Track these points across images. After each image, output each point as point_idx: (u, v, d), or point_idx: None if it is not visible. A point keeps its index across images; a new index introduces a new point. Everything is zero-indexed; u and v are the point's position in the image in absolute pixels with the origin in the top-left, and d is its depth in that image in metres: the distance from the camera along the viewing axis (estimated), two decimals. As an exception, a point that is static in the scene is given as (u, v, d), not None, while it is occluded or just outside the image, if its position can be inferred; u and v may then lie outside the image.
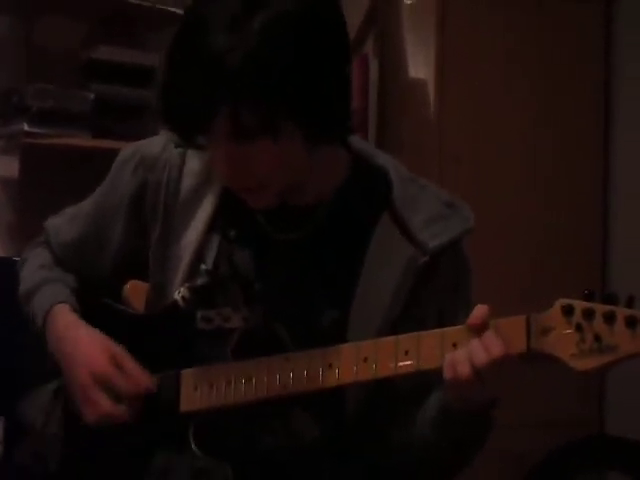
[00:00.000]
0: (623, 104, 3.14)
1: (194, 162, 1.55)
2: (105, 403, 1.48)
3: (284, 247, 1.51)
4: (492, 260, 2.80)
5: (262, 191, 1.42)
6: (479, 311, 1.27)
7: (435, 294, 1.47)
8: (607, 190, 3.17)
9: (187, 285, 1.51)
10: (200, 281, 1.52)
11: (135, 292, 1.60)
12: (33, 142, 2.68)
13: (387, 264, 1.46)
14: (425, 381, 1.39)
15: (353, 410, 1.46)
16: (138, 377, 1.48)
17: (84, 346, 1.52)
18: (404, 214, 1.47)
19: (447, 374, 1.28)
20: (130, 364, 1.49)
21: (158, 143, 1.59)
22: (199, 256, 1.52)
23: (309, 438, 1.49)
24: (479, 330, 1.26)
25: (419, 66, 2.99)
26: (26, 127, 2.66)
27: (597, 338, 1.18)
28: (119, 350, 1.51)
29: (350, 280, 1.47)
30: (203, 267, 1.52)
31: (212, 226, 1.53)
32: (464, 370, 1.25)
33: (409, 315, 1.44)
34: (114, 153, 1.65)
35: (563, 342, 1.20)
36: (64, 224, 1.71)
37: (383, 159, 1.55)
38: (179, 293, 1.51)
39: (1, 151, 2.84)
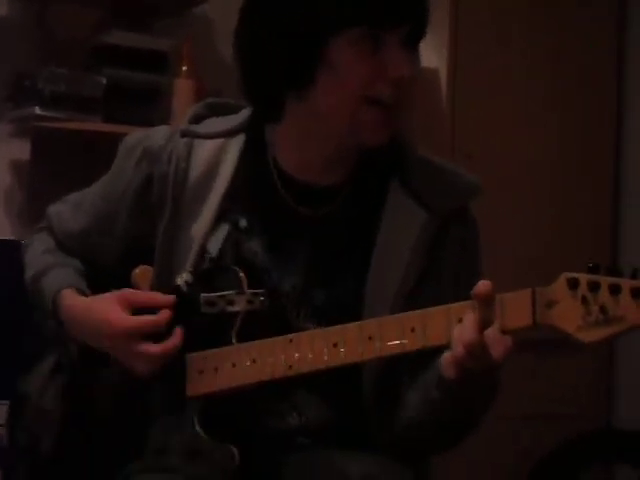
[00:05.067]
0: (637, 95, 3.14)
1: (202, 151, 1.55)
2: (148, 347, 1.47)
3: (303, 224, 1.52)
4: (504, 250, 2.80)
5: (397, 107, 1.45)
6: (483, 284, 1.26)
7: (449, 255, 1.49)
8: (619, 189, 3.17)
9: (189, 270, 1.51)
10: (204, 267, 1.52)
11: (144, 277, 1.59)
12: (44, 126, 2.68)
13: (401, 229, 1.48)
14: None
15: (370, 382, 1.46)
16: (157, 304, 1.49)
17: (101, 318, 1.51)
18: (413, 181, 1.51)
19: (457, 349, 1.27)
20: (142, 298, 1.51)
21: (162, 134, 1.59)
22: (206, 245, 1.53)
23: (318, 419, 1.49)
24: (484, 303, 1.25)
25: (431, 54, 2.98)
26: (38, 111, 2.66)
27: (603, 310, 1.17)
28: (127, 295, 1.51)
29: (366, 251, 1.49)
30: (208, 256, 1.53)
31: (221, 215, 1.54)
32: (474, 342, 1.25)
33: (427, 278, 1.46)
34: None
35: (569, 315, 1.20)
36: (67, 212, 1.70)
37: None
38: (182, 278, 1.51)
39: (13, 134, 2.85)
